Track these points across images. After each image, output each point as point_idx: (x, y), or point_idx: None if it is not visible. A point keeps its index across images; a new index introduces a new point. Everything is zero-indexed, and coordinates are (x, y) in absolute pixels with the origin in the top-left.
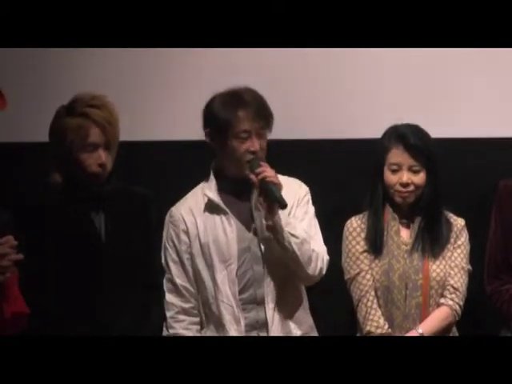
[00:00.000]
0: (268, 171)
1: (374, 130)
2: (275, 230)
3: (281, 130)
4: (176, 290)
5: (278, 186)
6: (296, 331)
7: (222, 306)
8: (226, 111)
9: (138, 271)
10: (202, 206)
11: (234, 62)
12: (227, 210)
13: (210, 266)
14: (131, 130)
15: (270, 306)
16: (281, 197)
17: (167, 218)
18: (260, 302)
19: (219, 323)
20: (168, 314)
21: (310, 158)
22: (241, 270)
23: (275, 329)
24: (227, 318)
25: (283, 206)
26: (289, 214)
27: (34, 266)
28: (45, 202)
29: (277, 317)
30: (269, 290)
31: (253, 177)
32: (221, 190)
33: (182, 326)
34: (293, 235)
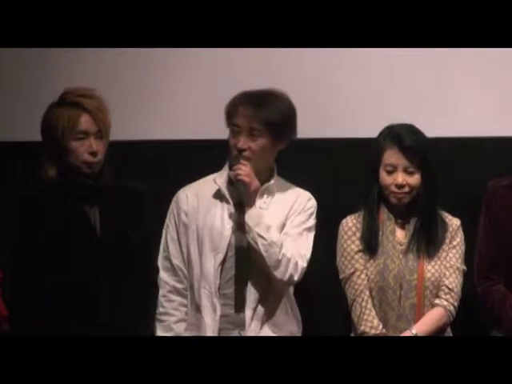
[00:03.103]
0: (242, 169)
1: (370, 130)
2: (243, 228)
3: None
4: (171, 268)
5: (247, 185)
6: (274, 335)
7: (203, 293)
8: (232, 103)
9: (133, 266)
10: (209, 192)
11: (233, 62)
12: (230, 200)
13: (201, 252)
14: (128, 130)
15: (250, 306)
16: (240, 194)
17: (174, 198)
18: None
19: (198, 309)
20: (160, 291)
21: (305, 157)
22: (228, 263)
23: (253, 329)
24: (205, 304)
25: (239, 204)
26: (287, 218)
27: (27, 262)
28: (38, 197)
29: (256, 318)
30: (251, 291)
31: (230, 173)
32: (231, 182)
33: (173, 306)
34: (261, 236)
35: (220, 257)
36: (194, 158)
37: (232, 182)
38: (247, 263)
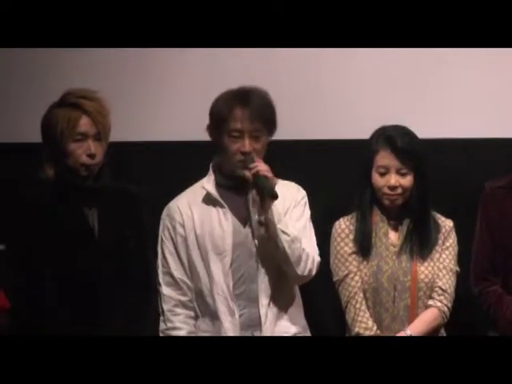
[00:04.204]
0: (261, 166)
1: (363, 131)
2: (267, 225)
3: None
4: (174, 282)
5: (271, 179)
6: (289, 329)
7: (217, 298)
8: (224, 107)
9: (131, 268)
10: (200, 199)
11: (233, 63)
12: (224, 203)
13: (205, 259)
14: (127, 131)
15: (263, 302)
16: (272, 188)
17: (164, 211)
18: (254, 299)
19: (214, 315)
20: (165, 306)
21: (298, 159)
22: (235, 264)
23: (268, 326)
24: (222, 309)
25: (274, 196)
26: (285, 214)
27: (26, 263)
28: (37, 198)
29: (270, 314)
30: (262, 287)
31: (246, 172)
32: (219, 184)
33: (179, 319)
34: (284, 232)
35: (228, 260)
36: (194, 160)
37: (236, 183)
38: (254, 261)
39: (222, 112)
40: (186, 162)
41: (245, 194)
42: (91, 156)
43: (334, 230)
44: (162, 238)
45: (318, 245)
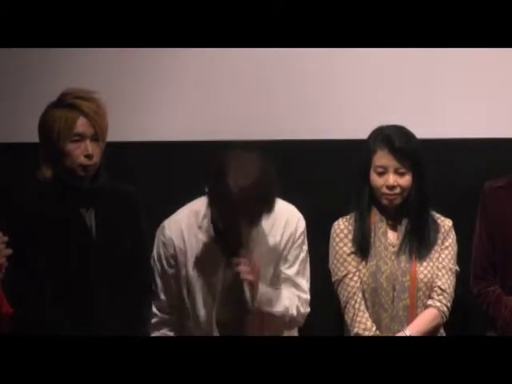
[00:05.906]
0: (243, 268)
1: (360, 131)
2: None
3: (269, 131)
4: (159, 303)
5: (250, 286)
6: None
7: (198, 332)
8: (223, 180)
9: (128, 269)
10: (194, 231)
11: (230, 63)
12: (218, 240)
13: (192, 297)
14: (125, 131)
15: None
16: (246, 300)
17: (158, 232)
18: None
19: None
20: (152, 320)
21: (297, 159)
22: (221, 306)
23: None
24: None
25: (246, 308)
26: (282, 250)
27: (23, 264)
28: (34, 199)
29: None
30: (249, 331)
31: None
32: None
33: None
34: (271, 312)
35: (214, 306)
36: (192, 160)
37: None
38: (244, 303)
39: (220, 186)
40: (185, 162)
41: None
42: (88, 156)
43: (332, 230)
44: (154, 259)
45: (317, 245)
